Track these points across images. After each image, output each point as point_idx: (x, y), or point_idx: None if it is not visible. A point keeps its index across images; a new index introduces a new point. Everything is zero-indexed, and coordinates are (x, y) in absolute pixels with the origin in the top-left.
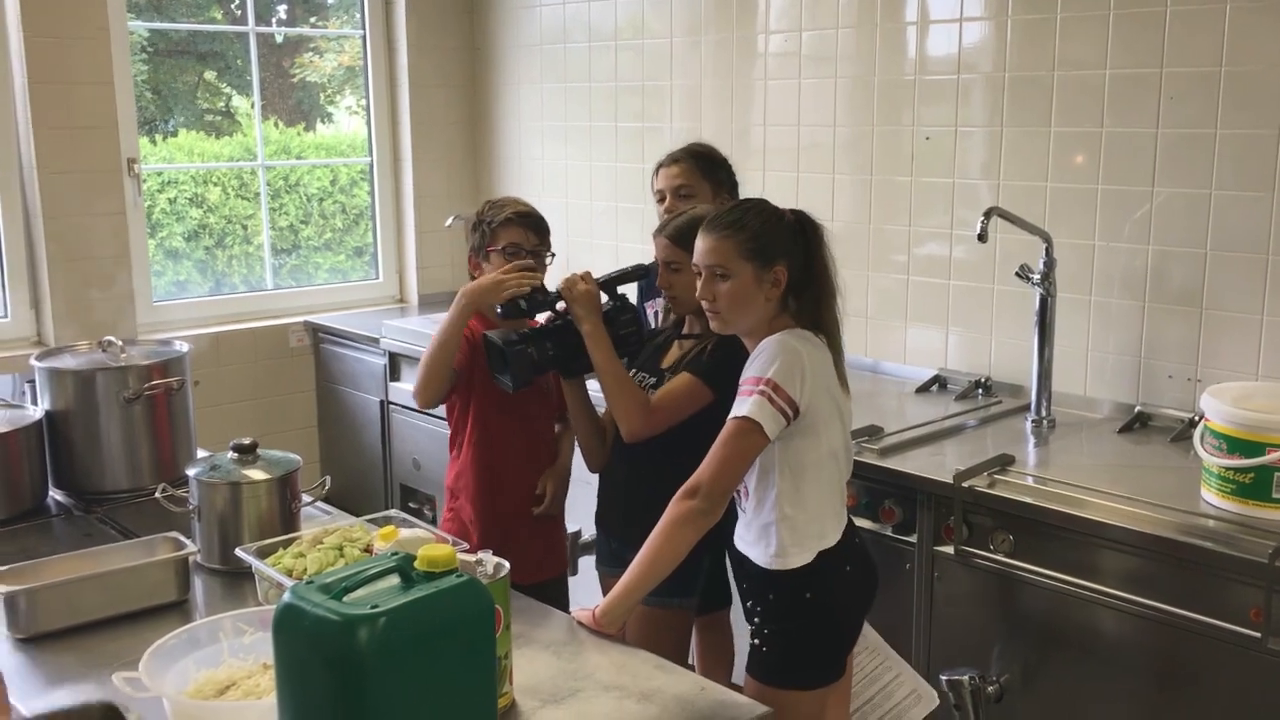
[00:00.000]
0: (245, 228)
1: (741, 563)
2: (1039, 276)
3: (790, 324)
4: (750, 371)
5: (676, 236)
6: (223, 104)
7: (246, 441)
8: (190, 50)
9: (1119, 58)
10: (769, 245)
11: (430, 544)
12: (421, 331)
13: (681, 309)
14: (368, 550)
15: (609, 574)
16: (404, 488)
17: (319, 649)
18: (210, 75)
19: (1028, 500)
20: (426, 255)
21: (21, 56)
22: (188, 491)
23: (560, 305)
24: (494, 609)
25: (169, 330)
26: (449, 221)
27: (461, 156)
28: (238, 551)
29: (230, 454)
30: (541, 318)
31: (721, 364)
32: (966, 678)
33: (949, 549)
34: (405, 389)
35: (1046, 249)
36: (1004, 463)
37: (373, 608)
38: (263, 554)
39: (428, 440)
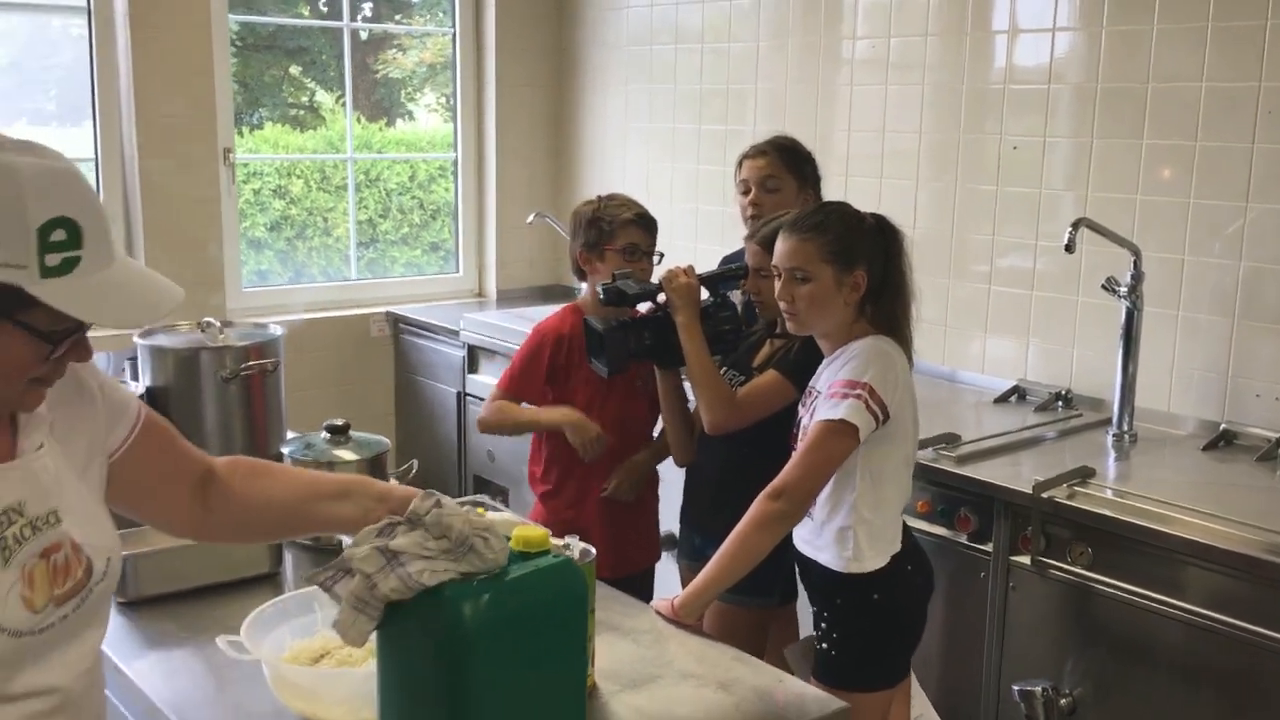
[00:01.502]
0: (325, 220)
1: (807, 567)
2: (1126, 289)
3: (869, 329)
4: (841, 374)
5: (766, 244)
6: (307, 98)
7: (339, 423)
8: (278, 45)
9: (1215, 71)
10: (850, 249)
11: (524, 525)
12: (501, 325)
13: (769, 313)
14: None
15: (690, 568)
16: (478, 479)
17: (423, 623)
18: (295, 70)
19: (1108, 513)
20: (506, 251)
21: (128, 48)
22: None
23: (661, 297)
24: (587, 589)
25: (255, 316)
26: (530, 219)
27: (545, 155)
28: None
29: (323, 434)
30: (643, 308)
31: (807, 362)
32: (1039, 689)
33: (1025, 559)
34: (483, 381)
35: (1135, 262)
36: (1084, 475)
37: (475, 583)
38: None
39: None
